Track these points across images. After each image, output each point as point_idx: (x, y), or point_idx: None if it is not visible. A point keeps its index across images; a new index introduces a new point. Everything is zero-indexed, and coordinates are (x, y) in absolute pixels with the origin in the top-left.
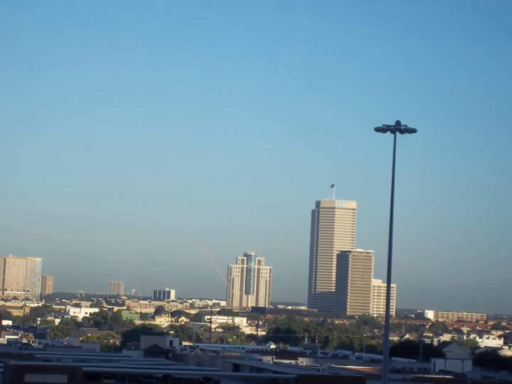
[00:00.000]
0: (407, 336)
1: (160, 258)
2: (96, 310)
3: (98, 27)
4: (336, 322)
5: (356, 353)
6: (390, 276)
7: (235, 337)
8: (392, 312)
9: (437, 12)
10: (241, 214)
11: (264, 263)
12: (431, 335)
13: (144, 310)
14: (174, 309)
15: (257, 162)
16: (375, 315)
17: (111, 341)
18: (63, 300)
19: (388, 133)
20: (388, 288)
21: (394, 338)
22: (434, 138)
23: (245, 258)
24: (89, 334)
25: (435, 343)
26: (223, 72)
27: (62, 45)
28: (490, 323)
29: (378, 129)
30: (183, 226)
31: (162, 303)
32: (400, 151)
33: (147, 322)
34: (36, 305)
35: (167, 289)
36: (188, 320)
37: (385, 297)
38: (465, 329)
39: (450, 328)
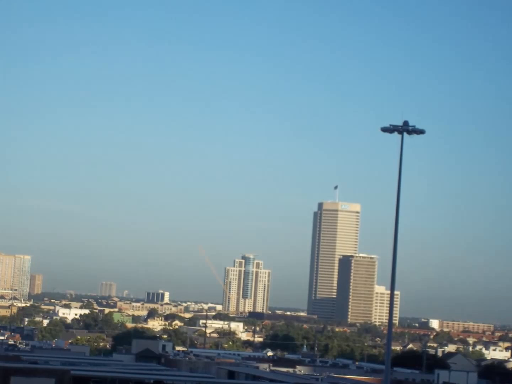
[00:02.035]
0: (410, 346)
1: (155, 259)
2: (87, 311)
3: (94, 18)
4: (337, 329)
5: (357, 363)
6: (394, 283)
7: (230, 343)
8: (395, 321)
9: (447, 10)
10: (240, 215)
11: (262, 266)
12: (435, 345)
13: (136, 313)
14: (167, 312)
15: (258, 161)
16: (377, 323)
17: (101, 344)
18: (52, 301)
19: (395, 133)
20: (392, 295)
21: (397, 347)
22: (443, 140)
23: (243, 260)
24: (79, 337)
25: (440, 353)
26: (224, 66)
27: (56, 35)
28: (497, 334)
29: (384, 129)
30: (180, 226)
31: (155, 305)
32: (407, 152)
33: (139, 325)
34: (24, 305)
35: (161, 291)
36: (182, 324)
37: (388, 305)
38: (471, 340)
39: (456, 339)
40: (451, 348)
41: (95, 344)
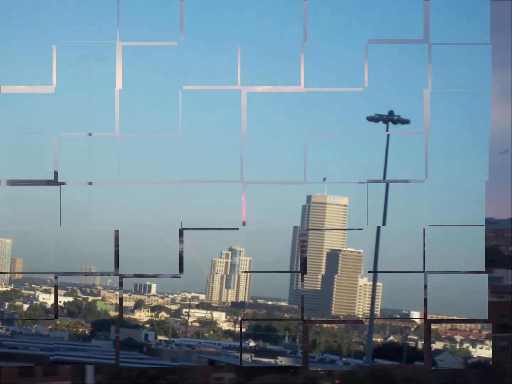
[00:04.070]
0: (391, 338)
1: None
2: (71, 299)
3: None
4: (324, 326)
5: (344, 359)
6: (376, 275)
7: (212, 332)
8: (377, 312)
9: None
10: None
11: (244, 254)
12: (416, 338)
13: (123, 304)
14: (154, 303)
15: None
16: (360, 316)
17: (80, 330)
18: (33, 285)
19: (381, 123)
20: (374, 287)
21: (378, 339)
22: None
23: (229, 252)
24: (58, 322)
25: (420, 346)
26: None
27: (48, 15)
28: (484, 332)
29: (370, 119)
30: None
31: (142, 297)
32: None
33: (126, 316)
34: (4, 289)
35: (148, 283)
36: (168, 315)
37: (370, 297)
38: (458, 337)
39: (443, 336)
40: (438, 345)
41: (74, 329)
